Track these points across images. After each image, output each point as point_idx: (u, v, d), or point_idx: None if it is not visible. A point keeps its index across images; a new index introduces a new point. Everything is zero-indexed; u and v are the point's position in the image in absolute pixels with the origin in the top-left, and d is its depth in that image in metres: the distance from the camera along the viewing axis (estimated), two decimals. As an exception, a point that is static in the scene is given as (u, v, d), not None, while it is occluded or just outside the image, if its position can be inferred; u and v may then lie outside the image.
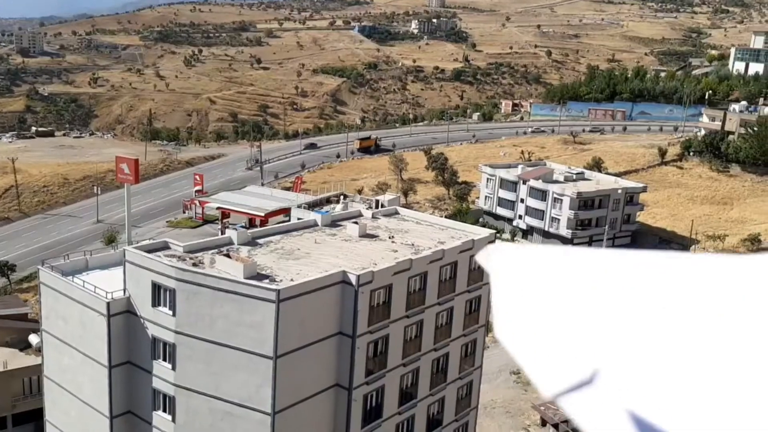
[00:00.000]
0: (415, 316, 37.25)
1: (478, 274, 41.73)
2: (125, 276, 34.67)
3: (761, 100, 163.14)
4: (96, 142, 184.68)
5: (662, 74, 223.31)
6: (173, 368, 33.18)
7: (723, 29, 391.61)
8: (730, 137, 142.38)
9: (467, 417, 44.08)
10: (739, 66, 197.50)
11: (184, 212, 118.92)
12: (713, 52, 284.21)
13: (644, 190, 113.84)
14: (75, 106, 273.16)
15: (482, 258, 1.10)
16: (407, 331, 36.97)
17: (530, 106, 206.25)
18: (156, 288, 33.15)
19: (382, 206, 50.52)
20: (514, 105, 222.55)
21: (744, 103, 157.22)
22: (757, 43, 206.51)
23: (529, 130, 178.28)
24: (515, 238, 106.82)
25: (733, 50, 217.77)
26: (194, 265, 33.60)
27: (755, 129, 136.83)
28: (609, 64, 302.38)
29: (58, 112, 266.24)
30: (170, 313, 32.72)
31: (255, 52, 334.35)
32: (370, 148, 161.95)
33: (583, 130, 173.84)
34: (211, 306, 31.62)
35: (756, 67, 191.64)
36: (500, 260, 1.04)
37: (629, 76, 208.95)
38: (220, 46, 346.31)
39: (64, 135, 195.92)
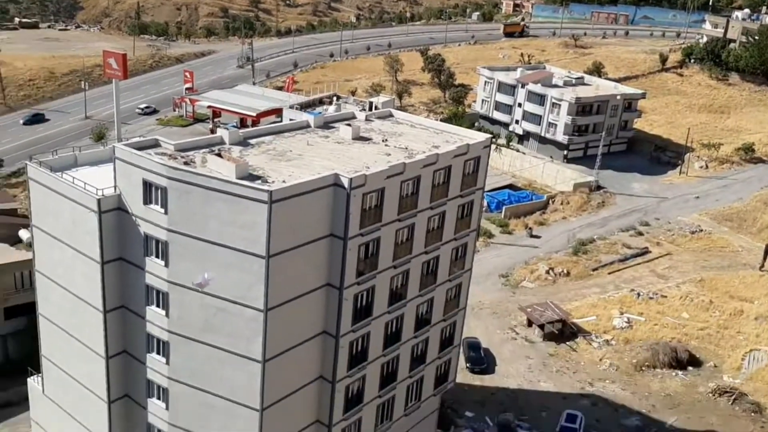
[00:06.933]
0: (407, 220, 37.28)
1: (471, 179, 41.52)
2: (116, 173, 34.22)
3: (764, 8, 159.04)
4: (82, 36, 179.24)
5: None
6: (166, 265, 33.36)
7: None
8: (731, 45, 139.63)
9: (455, 317, 45.05)
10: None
11: (174, 110, 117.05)
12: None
13: (643, 96, 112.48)
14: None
15: None
16: (398, 234, 37.09)
17: (532, 7, 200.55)
18: (147, 186, 32.83)
19: (376, 108, 49.71)
20: (516, 5, 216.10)
21: (747, 11, 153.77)
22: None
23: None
24: (510, 143, 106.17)
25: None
26: (185, 163, 33.14)
27: (756, 38, 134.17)
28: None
29: (42, 2, 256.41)
30: (162, 211, 32.55)
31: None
32: (514, 33, 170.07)
33: (585, 33, 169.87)
34: (203, 205, 31.42)
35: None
36: None
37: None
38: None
39: (49, 27, 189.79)
